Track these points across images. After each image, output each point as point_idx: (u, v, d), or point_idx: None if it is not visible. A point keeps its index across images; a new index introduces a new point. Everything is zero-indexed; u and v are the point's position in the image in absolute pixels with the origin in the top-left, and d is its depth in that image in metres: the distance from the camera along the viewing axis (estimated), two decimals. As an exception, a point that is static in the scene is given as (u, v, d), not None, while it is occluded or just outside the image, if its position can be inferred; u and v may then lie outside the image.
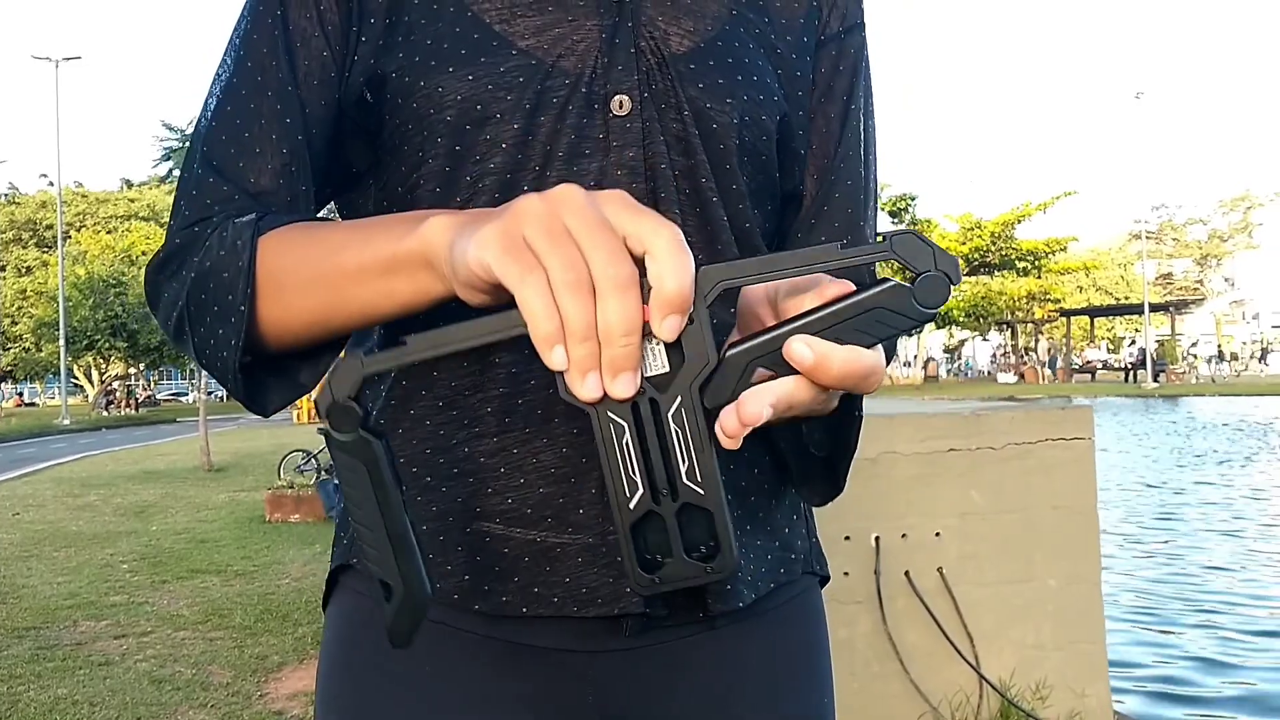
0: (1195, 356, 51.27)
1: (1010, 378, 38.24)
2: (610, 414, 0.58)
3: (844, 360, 0.59)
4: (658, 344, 0.58)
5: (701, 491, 0.59)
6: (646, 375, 0.58)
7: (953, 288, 0.60)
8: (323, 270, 0.72)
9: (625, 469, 0.59)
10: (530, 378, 0.79)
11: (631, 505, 0.59)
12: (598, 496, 0.79)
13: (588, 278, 0.54)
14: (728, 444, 0.59)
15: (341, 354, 0.80)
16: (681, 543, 0.60)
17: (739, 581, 0.82)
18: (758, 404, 0.59)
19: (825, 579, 0.94)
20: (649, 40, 0.82)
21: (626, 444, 0.59)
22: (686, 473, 0.59)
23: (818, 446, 0.82)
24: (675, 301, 0.55)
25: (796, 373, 0.60)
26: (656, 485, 0.59)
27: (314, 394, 0.59)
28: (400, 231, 0.67)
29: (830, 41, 0.91)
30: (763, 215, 0.88)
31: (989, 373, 48.96)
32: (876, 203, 0.96)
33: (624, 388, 0.56)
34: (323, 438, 0.61)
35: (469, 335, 0.58)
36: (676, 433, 0.59)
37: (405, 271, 0.67)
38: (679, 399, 0.59)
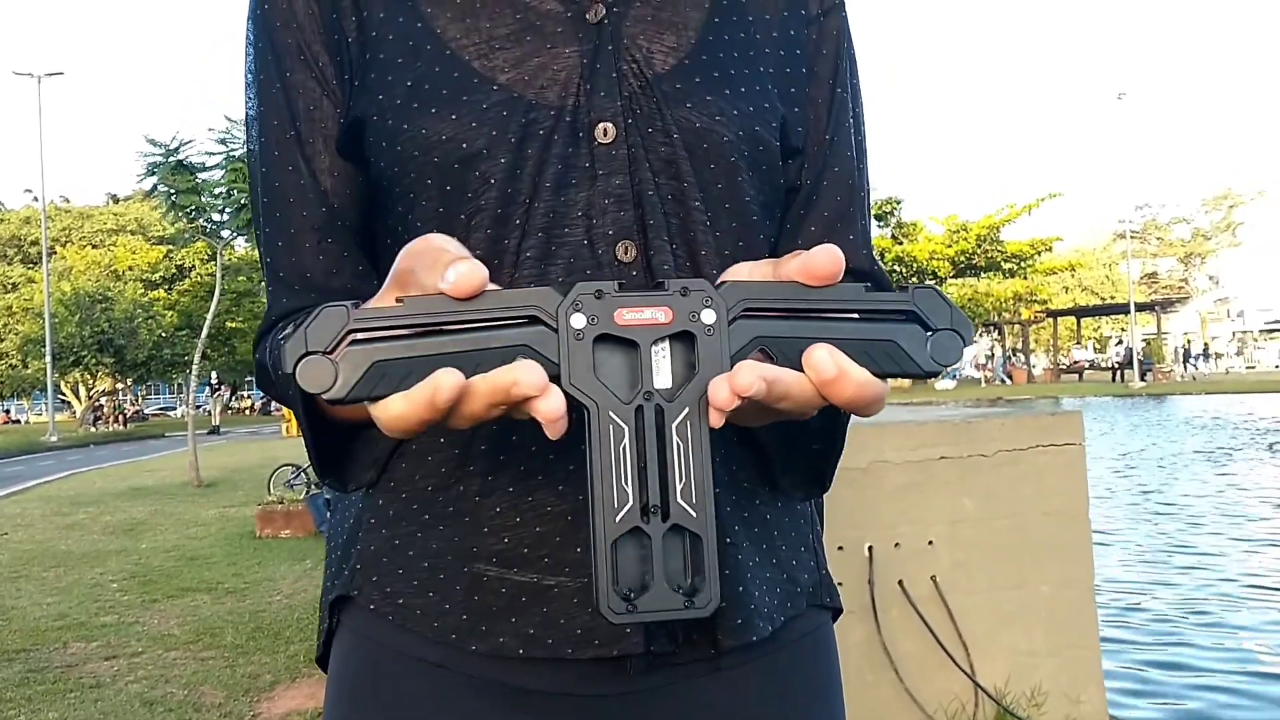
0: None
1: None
2: (612, 414, 0.55)
3: (861, 383, 0.56)
4: (665, 351, 0.56)
5: (694, 514, 0.55)
6: (653, 386, 0.55)
7: (965, 349, 0.59)
8: None
9: (617, 478, 0.55)
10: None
11: (618, 519, 0.54)
12: None
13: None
14: (714, 419, 0.54)
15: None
16: (664, 569, 0.55)
17: (754, 614, 0.80)
18: (751, 374, 0.53)
19: (838, 611, 0.92)
20: (630, 63, 0.81)
21: (623, 450, 0.55)
22: (681, 491, 0.55)
23: (807, 438, 0.80)
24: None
25: (798, 368, 0.56)
26: (648, 500, 0.55)
27: (289, 344, 0.54)
28: None
29: (810, 25, 0.90)
30: (775, 226, 0.86)
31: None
32: (867, 186, 0.93)
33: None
34: None
35: (471, 311, 0.54)
36: (678, 446, 0.55)
37: None
38: (685, 411, 0.55)
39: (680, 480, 0.55)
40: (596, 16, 0.82)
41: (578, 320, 0.55)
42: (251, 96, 0.86)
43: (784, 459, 0.84)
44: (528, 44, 0.81)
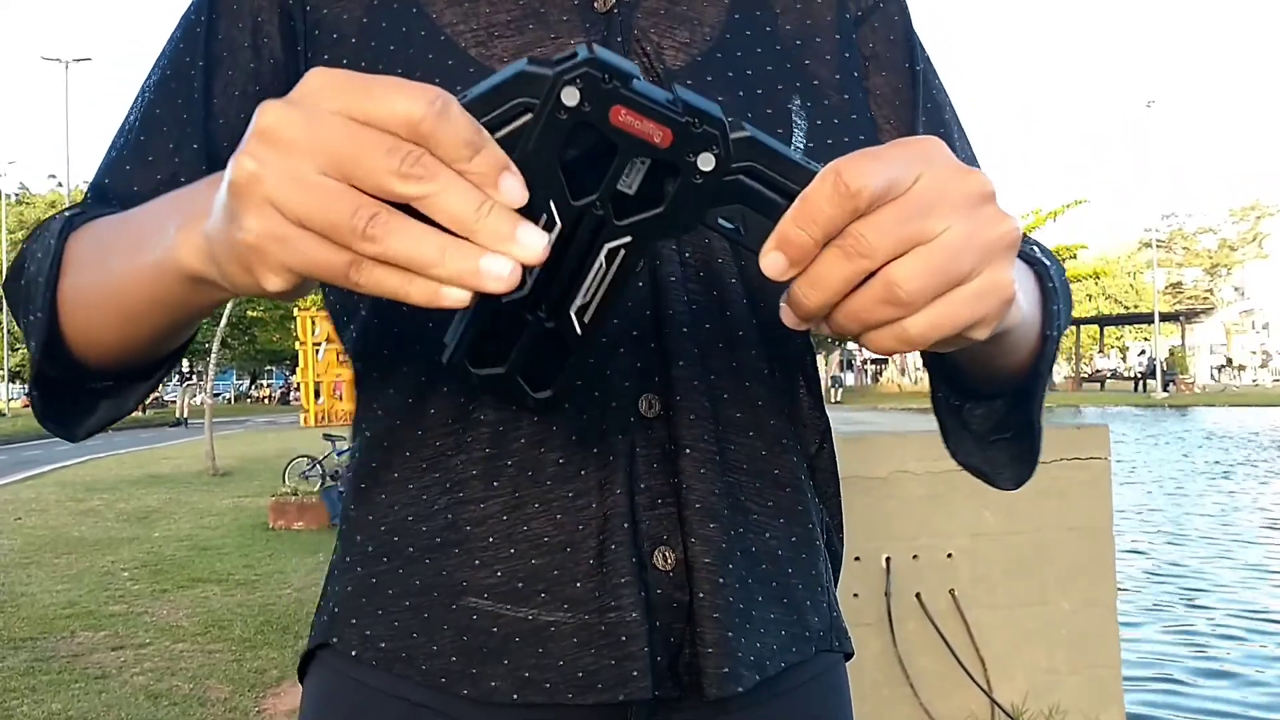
0: None
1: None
2: (553, 206, 0.49)
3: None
4: (640, 170, 0.50)
5: (579, 332, 0.52)
6: (609, 200, 0.50)
7: None
8: (100, 276, 0.64)
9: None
10: (517, 435, 0.71)
11: (505, 298, 0.51)
12: (595, 568, 0.71)
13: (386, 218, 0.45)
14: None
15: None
16: (521, 362, 0.53)
17: (740, 663, 0.72)
18: None
19: (849, 655, 0.86)
20: (640, 57, 0.75)
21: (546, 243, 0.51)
22: (579, 307, 0.52)
23: (982, 422, 0.76)
24: (487, 170, 0.45)
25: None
26: (542, 297, 0.52)
27: None
28: (159, 232, 0.57)
29: (869, 16, 0.82)
30: None
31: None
32: (974, 158, 0.86)
33: (531, 248, 0.46)
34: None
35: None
36: (601, 266, 0.51)
37: (173, 283, 0.57)
38: (626, 239, 0.51)
39: (585, 297, 0.52)
40: (606, 6, 0.76)
41: (570, 96, 0.48)
42: (175, 34, 0.80)
43: (980, 447, 0.80)
44: (530, 32, 0.75)
